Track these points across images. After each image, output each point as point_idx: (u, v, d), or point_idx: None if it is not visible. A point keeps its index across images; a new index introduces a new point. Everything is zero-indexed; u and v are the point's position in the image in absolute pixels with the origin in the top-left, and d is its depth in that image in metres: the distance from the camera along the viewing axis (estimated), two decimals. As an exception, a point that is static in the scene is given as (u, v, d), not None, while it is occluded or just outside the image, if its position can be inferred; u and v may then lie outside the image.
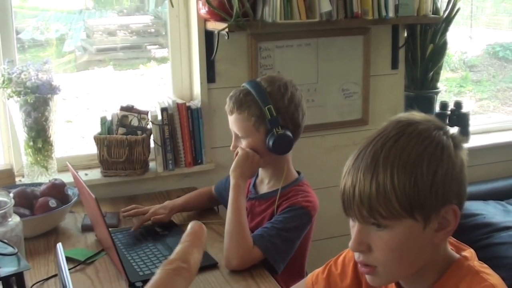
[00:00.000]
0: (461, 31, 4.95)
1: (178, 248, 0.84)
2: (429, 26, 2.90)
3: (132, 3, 4.38)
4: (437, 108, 3.17)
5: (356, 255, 1.17)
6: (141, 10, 4.34)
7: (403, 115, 1.20)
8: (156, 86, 3.81)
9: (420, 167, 1.08)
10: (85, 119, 4.11)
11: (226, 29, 2.34)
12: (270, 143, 1.90)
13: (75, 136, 4.02)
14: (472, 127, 3.31)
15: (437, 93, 3.08)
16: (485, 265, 1.19)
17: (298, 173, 2.08)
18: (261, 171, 2.09)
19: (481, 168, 3.29)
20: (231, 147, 2.02)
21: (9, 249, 1.44)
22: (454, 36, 4.86)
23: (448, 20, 2.95)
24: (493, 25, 5.10)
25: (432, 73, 3.01)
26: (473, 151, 3.20)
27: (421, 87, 3.04)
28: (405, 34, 2.96)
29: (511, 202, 3.11)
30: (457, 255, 1.20)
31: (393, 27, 2.88)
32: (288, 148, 1.95)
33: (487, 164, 3.31)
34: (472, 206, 2.99)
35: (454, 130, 3.01)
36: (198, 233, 0.85)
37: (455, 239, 1.25)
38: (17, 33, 3.83)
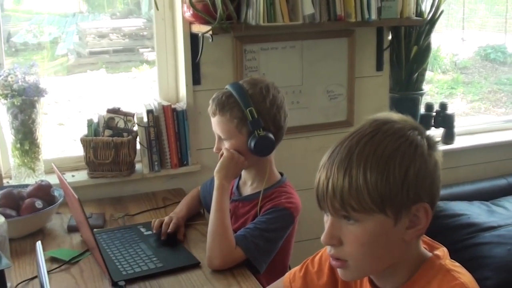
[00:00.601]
0: (453, 33, 4.99)
1: None
2: (412, 28, 2.93)
3: (125, 6, 4.38)
4: (422, 110, 3.20)
5: (328, 248, 1.20)
6: (134, 13, 4.35)
7: (381, 114, 1.23)
8: (148, 89, 3.83)
9: (392, 164, 1.10)
10: (77, 122, 4.12)
11: (210, 32, 2.37)
12: (252, 144, 1.93)
13: (67, 139, 4.04)
14: (458, 128, 3.35)
15: (421, 94, 3.11)
16: (457, 264, 1.21)
17: (281, 174, 2.10)
18: (244, 173, 2.11)
19: (467, 169, 3.32)
20: (214, 149, 2.05)
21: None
22: (446, 38, 4.90)
23: (432, 22, 2.98)
24: (485, 27, 5.13)
25: (416, 74, 3.04)
26: (459, 152, 3.26)
27: (406, 88, 3.07)
28: (390, 36, 2.99)
29: (496, 203, 3.14)
30: (430, 254, 1.22)
31: (378, 29, 2.91)
32: (270, 150, 1.97)
33: (472, 164, 3.34)
34: (456, 206, 3.02)
35: (433, 131, 3.06)
36: None
37: (429, 238, 1.28)
38: (11, 36, 3.85)
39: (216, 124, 2.00)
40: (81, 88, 4.54)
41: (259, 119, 1.93)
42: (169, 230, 2.08)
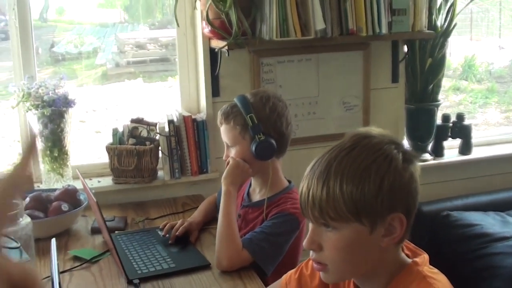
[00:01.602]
0: (492, 41, 4.97)
1: None
2: (426, 41, 3.00)
3: (164, 17, 4.51)
4: (439, 121, 3.26)
5: (310, 253, 1.30)
6: (173, 23, 4.51)
7: (362, 129, 1.33)
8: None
9: (368, 177, 1.19)
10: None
11: (226, 47, 2.51)
12: (253, 148, 2.04)
13: (103, 146, 4.21)
14: (476, 139, 3.40)
15: (437, 105, 3.16)
16: (436, 270, 1.29)
17: (289, 182, 2.21)
18: (253, 180, 2.22)
19: (483, 180, 3.35)
20: (223, 157, 2.18)
21: (13, 244, 1.62)
22: (483, 47, 4.90)
23: (446, 34, 3.05)
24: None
25: (432, 86, 3.10)
26: (476, 162, 3.29)
27: (421, 100, 3.12)
28: (405, 49, 3.07)
29: (511, 214, 3.16)
30: (409, 260, 1.29)
31: (393, 42, 3.00)
32: (270, 153, 2.07)
33: (489, 175, 3.37)
34: (471, 217, 3.05)
35: (450, 142, 3.08)
36: None
37: (413, 245, 1.36)
38: (52, 46, 4.04)
39: (223, 132, 2.14)
40: (118, 97, 4.71)
41: (259, 125, 2.05)
42: (177, 234, 2.22)
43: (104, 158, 2.78)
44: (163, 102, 4.32)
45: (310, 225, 1.28)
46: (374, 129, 1.31)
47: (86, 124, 4.55)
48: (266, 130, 2.05)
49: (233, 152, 2.12)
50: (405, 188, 1.23)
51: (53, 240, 1.54)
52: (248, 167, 2.09)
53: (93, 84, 4.55)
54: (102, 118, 4.49)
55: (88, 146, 4.15)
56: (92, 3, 4.53)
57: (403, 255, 1.31)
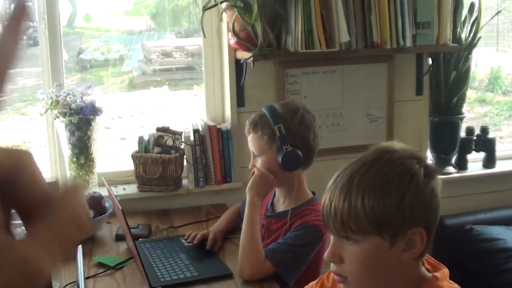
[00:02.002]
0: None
1: None
2: (450, 54, 3.01)
3: (191, 25, 4.54)
4: (462, 133, 3.25)
5: (331, 265, 1.31)
6: (199, 32, 4.54)
7: (384, 143, 1.35)
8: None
9: (389, 191, 1.21)
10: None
11: (251, 58, 2.54)
12: (280, 159, 2.05)
13: (128, 153, 4.25)
14: (500, 152, 3.38)
15: (461, 118, 3.16)
16: (455, 286, 1.29)
17: (314, 193, 2.22)
18: (277, 191, 2.24)
19: (508, 194, 3.32)
20: (249, 166, 2.19)
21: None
22: (507, 59, 4.87)
23: (471, 47, 3.05)
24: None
25: (456, 98, 3.10)
26: (499, 176, 3.27)
27: (445, 112, 3.12)
28: (429, 61, 3.07)
29: (536, 228, 3.14)
30: (429, 275, 1.30)
31: (417, 55, 3.00)
32: (297, 165, 2.08)
33: (513, 189, 3.35)
34: (494, 231, 3.04)
35: (474, 155, 3.07)
36: None
37: (433, 259, 1.36)
38: (79, 53, 4.10)
39: (250, 141, 2.16)
40: (144, 104, 4.76)
41: (286, 135, 2.06)
42: (207, 247, 2.25)
43: (129, 165, 2.82)
44: (188, 110, 4.36)
45: (332, 238, 1.29)
46: (397, 144, 1.33)
47: (112, 130, 4.61)
48: (293, 141, 2.06)
49: (259, 161, 2.14)
50: (426, 203, 1.24)
51: (79, 247, 1.58)
52: (273, 178, 2.11)
53: (119, 91, 4.60)
54: (127, 125, 4.54)
55: (113, 153, 4.20)
56: (119, 10, 4.59)
57: (423, 269, 1.31)
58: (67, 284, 1.99)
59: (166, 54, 4.71)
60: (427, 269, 1.32)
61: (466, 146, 3.23)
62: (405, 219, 1.21)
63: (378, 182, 1.22)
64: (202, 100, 3.04)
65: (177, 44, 4.66)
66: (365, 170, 1.24)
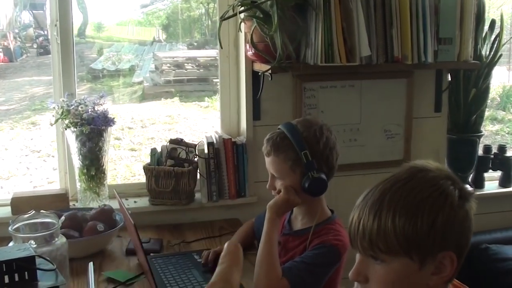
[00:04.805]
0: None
1: (218, 270, 0.90)
2: (471, 71, 2.95)
3: (203, 37, 4.52)
4: (480, 152, 3.20)
5: (355, 284, 1.26)
6: (211, 44, 4.46)
7: (419, 161, 1.29)
8: (217, 119, 3.98)
9: (421, 211, 1.15)
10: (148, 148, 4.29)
11: (270, 71, 2.48)
12: (306, 185, 1.99)
13: (137, 165, 4.19)
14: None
15: (479, 136, 3.11)
16: None
17: (332, 211, 2.16)
18: (295, 208, 2.17)
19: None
20: (267, 186, 2.12)
21: (49, 266, 1.58)
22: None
23: (491, 65, 3.00)
24: None
25: (475, 116, 3.05)
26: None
27: (464, 130, 3.08)
28: (449, 78, 3.02)
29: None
30: None
31: (437, 71, 2.95)
32: (323, 190, 2.03)
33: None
34: (509, 251, 2.99)
35: (490, 174, 3.02)
36: (234, 253, 0.91)
37: (457, 281, 1.32)
38: (91, 62, 4.07)
39: (270, 163, 2.08)
40: (155, 115, 4.72)
41: (313, 161, 1.99)
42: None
43: (141, 178, 2.76)
44: (199, 122, 4.33)
45: (358, 256, 1.24)
46: (432, 163, 1.27)
47: (121, 141, 4.56)
48: (319, 166, 2.01)
49: (279, 183, 2.07)
50: (459, 226, 1.19)
51: (91, 264, 1.51)
52: (299, 201, 2.04)
53: (130, 102, 4.56)
54: (138, 136, 4.51)
55: (123, 164, 4.15)
56: (130, 21, 4.56)
57: None
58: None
59: (178, 65, 4.68)
60: None
61: (483, 165, 3.19)
62: (436, 242, 1.16)
63: (410, 201, 1.17)
64: (212, 113, 2.99)
65: (189, 55, 4.62)
66: (398, 188, 1.19)
